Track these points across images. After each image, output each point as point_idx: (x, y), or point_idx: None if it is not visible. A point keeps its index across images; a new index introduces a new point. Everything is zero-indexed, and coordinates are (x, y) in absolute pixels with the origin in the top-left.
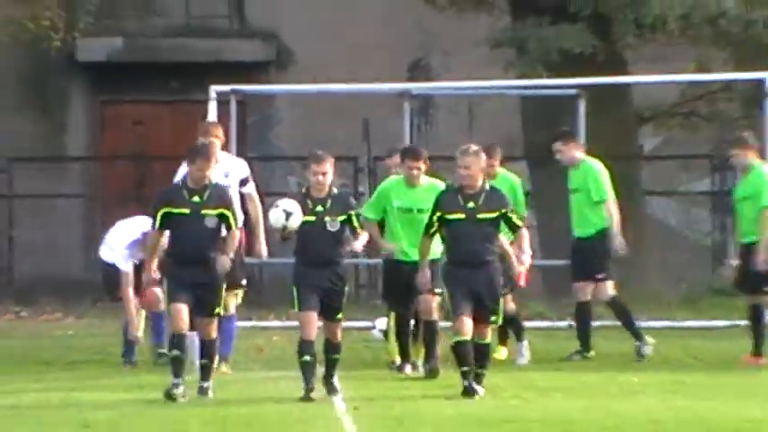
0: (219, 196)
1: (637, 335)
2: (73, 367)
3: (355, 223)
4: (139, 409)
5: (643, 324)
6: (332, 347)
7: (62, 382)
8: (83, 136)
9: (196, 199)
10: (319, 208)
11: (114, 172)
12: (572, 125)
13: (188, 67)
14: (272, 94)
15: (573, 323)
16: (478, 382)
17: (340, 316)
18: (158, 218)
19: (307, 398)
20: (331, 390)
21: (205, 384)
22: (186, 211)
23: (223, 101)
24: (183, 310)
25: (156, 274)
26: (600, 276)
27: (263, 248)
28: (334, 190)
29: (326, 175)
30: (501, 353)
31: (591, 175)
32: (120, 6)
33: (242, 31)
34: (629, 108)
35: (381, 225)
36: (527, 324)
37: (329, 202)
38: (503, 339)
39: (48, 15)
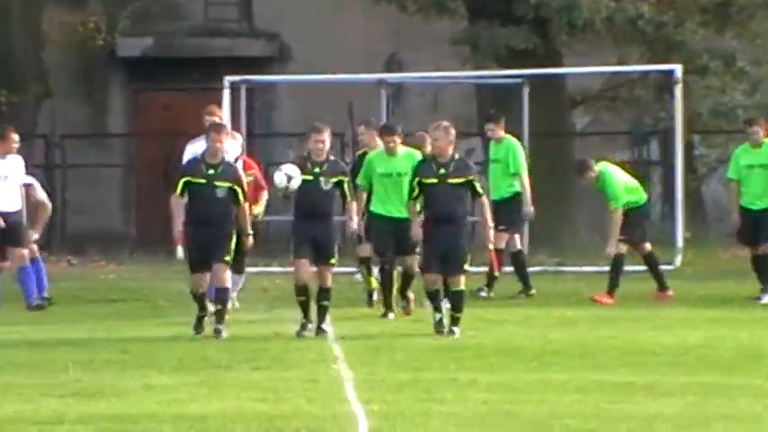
0: (231, 172)
1: (525, 282)
2: (113, 305)
3: (345, 188)
4: (167, 341)
5: (576, 269)
6: (322, 293)
7: (105, 317)
8: (121, 118)
9: (211, 171)
10: (317, 169)
11: (147, 147)
12: (518, 108)
13: (206, 62)
14: (275, 83)
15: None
16: (455, 324)
17: (333, 261)
18: (180, 185)
19: (302, 329)
20: (320, 334)
21: (218, 327)
22: (203, 181)
23: (235, 89)
24: (204, 274)
25: (181, 233)
26: (502, 228)
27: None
28: (331, 157)
29: (325, 143)
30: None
31: (512, 150)
32: (151, 11)
33: (250, 32)
34: (564, 94)
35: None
36: (481, 270)
37: (325, 165)
38: None
39: (93, 20)
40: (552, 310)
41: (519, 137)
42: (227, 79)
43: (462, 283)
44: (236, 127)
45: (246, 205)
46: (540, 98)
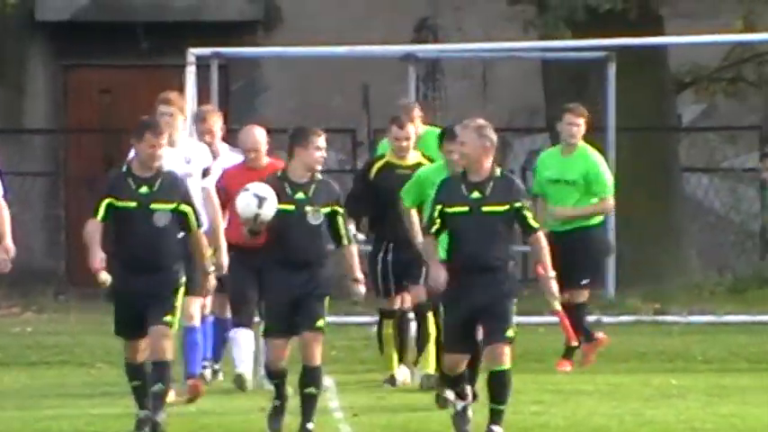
0: (174, 186)
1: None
2: (32, 370)
3: (340, 224)
4: (109, 421)
5: (682, 319)
6: (308, 376)
7: (18, 391)
8: (43, 106)
9: (144, 190)
10: (300, 195)
11: (80, 146)
12: (600, 92)
13: (163, 28)
14: (259, 57)
15: (602, 317)
16: (496, 422)
17: (320, 324)
18: (102, 209)
19: (275, 415)
20: None
21: (155, 416)
22: (132, 204)
23: (203, 65)
24: (137, 342)
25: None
26: (584, 282)
27: (223, 258)
28: (318, 175)
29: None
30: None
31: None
32: None
33: None
34: (666, 73)
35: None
36: (539, 319)
37: (312, 188)
38: None
39: None
40: (649, 376)
41: (602, 131)
42: (192, 52)
43: (506, 358)
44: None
45: (218, 228)
46: (631, 79)
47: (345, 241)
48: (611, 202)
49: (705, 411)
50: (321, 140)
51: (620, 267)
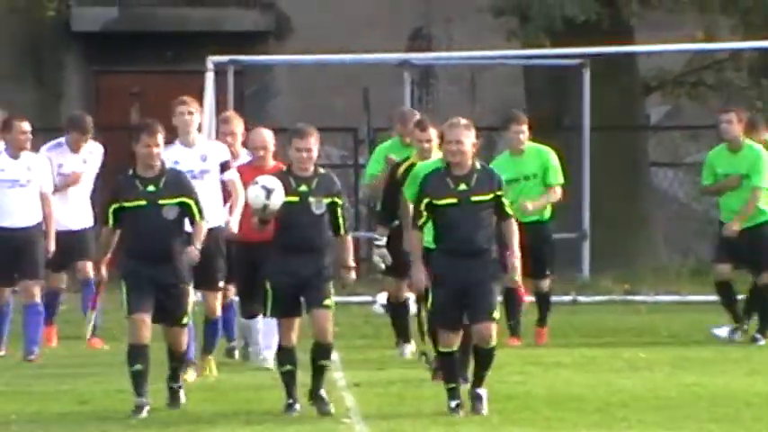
0: (178, 182)
1: None
2: (70, 341)
3: (339, 214)
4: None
5: (650, 299)
6: (320, 350)
7: (58, 355)
8: (79, 106)
9: (151, 188)
10: (303, 187)
11: (110, 145)
12: (576, 95)
13: (184, 37)
14: (271, 64)
15: (577, 297)
16: (481, 384)
17: (328, 302)
18: (111, 215)
19: (290, 410)
20: (321, 405)
21: (175, 385)
22: (142, 202)
23: (220, 71)
24: (146, 319)
25: (105, 274)
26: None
27: (233, 225)
28: (321, 169)
29: (311, 151)
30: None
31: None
32: None
33: (240, 1)
34: (635, 77)
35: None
36: (531, 298)
37: (315, 181)
38: None
39: None
40: (620, 350)
41: (578, 131)
42: (211, 59)
43: (493, 337)
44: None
45: (205, 223)
46: (605, 83)
47: (342, 231)
48: (559, 191)
49: (670, 381)
50: (303, 142)
51: (593, 252)
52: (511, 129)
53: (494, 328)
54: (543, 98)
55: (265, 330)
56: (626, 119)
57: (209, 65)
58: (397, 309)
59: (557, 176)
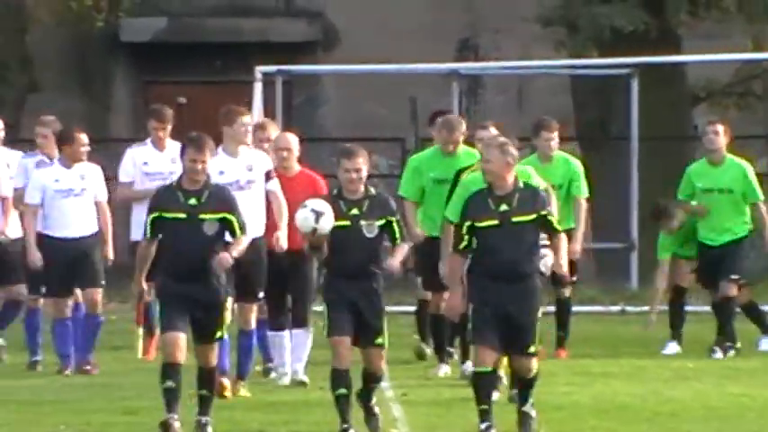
0: (221, 198)
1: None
2: (116, 351)
3: (396, 229)
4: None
5: (698, 309)
6: (373, 378)
7: (106, 365)
8: (127, 118)
9: (193, 201)
10: (354, 211)
11: None
12: (624, 105)
13: (233, 48)
14: (319, 74)
15: (626, 307)
16: (525, 403)
17: (381, 341)
18: (149, 225)
19: None
20: (370, 414)
21: (203, 419)
22: (182, 215)
23: (269, 81)
24: (180, 338)
25: (145, 287)
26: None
27: (283, 240)
28: (372, 190)
29: (360, 171)
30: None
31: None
32: None
33: (288, 11)
34: (683, 87)
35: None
36: (582, 309)
37: (366, 203)
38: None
39: None
40: (668, 360)
41: (626, 141)
42: (260, 69)
43: (533, 369)
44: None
45: (246, 238)
46: (653, 93)
47: (399, 241)
48: (584, 203)
49: (718, 391)
50: (352, 162)
51: (642, 262)
52: (541, 135)
53: (534, 361)
54: (591, 108)
55: (296, 342)
56: (674, 129)
57: (258, 75)
58: (435, 323)
59: (581, 188)
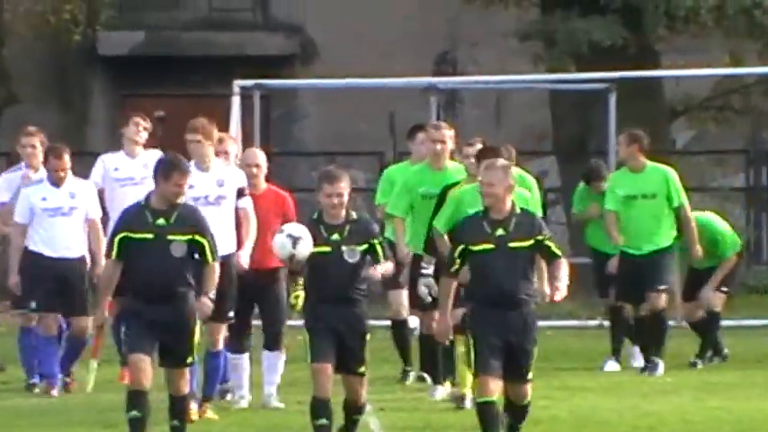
0: (190, 218)
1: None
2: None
3: (379, 251)
4: None
5: (676, 324)
6: (354, 408)
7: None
8: (104, 131)
9: (161, 221)
10: (335, 236)
11: None
12: (602, 119)
13: (210, 61)
14: (297, 88)
15: (603, 322)
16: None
17: (363, 369)
18: (115, 245)
19: None
20: None
21: None
22: (149, 236)
23: (246, 95)
24: (145, 361)
25: (106, 314)
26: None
27: (244, 259)
28: (353, 214)
29: (342, 196)
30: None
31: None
32: None
33: (266, 25)
34: (662, 102)
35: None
36: (546, 323)
37: (347, 229)
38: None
39: (69, 8)
40: (646, 374)
41: (604, 155)
42: (237, 83)
43: (527, 396)
44: (248, 145)
45: (217, 265)
46: (630, 107)
47: (381, 261)
48: None
49: (696, 405)
50: (334, 187)
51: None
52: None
53: (529, 388)
54: (569, 122)
55: (269, 365)
56: (652, 143)
57: (236, 89)
58: (427, 343)
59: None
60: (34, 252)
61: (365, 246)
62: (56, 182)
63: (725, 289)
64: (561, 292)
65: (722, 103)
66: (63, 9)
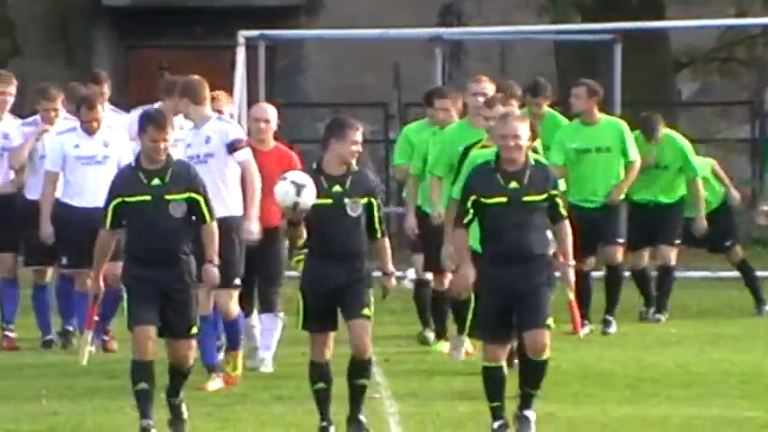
0: (186, 176)
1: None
2: None
3: (376, 215)
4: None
5: (680, 274)
6: (358, 368)
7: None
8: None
9: (156, 182)
10: (337, 188)
11: None
12: (607, 71)
13: (215, 12)
14: (302, 39)
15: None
16: (529, 406)
17: (366, 311)
18: (110, 212)
19: None
20: (360, 430)
21: (174, 400)
22: (146, 198)
23: (251, 46)
24: (150, 331)
25: (102, 286)
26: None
27: (253, 225)
28: (354, 166)
29: (359, 145)
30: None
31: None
32: None
33: None
34: (667, 54)
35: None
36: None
37: (349, 180)
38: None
39: None
40: (650, 326)
41: (610, 107)
42: (242, 34)
43: (547, 348)
44: (253, 96)
45: (215, 224)
46: (636, 59)
47: (379, 234)
48: None
49: (700, 357)
50: (358, 135)
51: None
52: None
53: (547, 336)
54: (574, 74)
55: (264, 329)
56: (657, 95)
57: (240, 39)
58: (438, 302)
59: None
60: (63, 203)
61: (365, 200)
62: (89, 131)
63: (677, 241)
64: (569, 263)
65: (727, 54)
66: None
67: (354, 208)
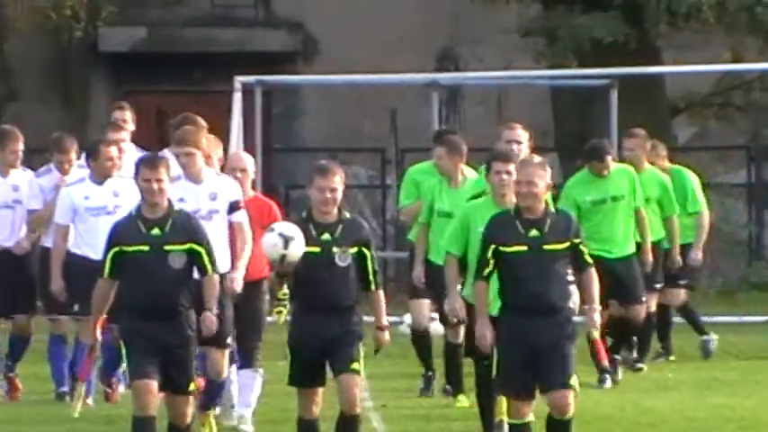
0: (187, 226)
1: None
2: None
3: (369, 265)
4: None
5: (678, 320)
6: (347, 422)
7: None
8: (106, 127)
9: (156, 231)
10: (326, 236)
11: None
12: (604, 115)
13: (212, 58)
14: (298, 84)
15: None
16: None
17: (356, 366)
18: (108, 261)
19: None
20: None
21: None
22: (144, 248)
23: (248, 92)
24: (152, 385)
25: (99, 338)
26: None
27: (237, 281)
28: (346, 213)
29: (336, 192)
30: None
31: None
32: None
33: (267, 21)
34: (663, 98)
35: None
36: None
37: (339, 228)
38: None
39: (70, 4)
40: (648, 370)
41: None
42: (238, 79)
43: (571, 408)
44: (250, 141)
45: (217, 276)
46: (632, 103)
47: (373, 287)
48: None
49: (698, 402)
50: (333, 179)
51: None
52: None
53: (571, 396)
54: (570, 119)
55: (243, 384)
56: (654, 139)
57: (237, 85)
58: (453, 354)
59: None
60: (75, 254)
61: (356, 249)
62: (102, 178)
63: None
64: (594, 309)
65: (723, 99)
66: (64, 5)
67: (343, 258)
